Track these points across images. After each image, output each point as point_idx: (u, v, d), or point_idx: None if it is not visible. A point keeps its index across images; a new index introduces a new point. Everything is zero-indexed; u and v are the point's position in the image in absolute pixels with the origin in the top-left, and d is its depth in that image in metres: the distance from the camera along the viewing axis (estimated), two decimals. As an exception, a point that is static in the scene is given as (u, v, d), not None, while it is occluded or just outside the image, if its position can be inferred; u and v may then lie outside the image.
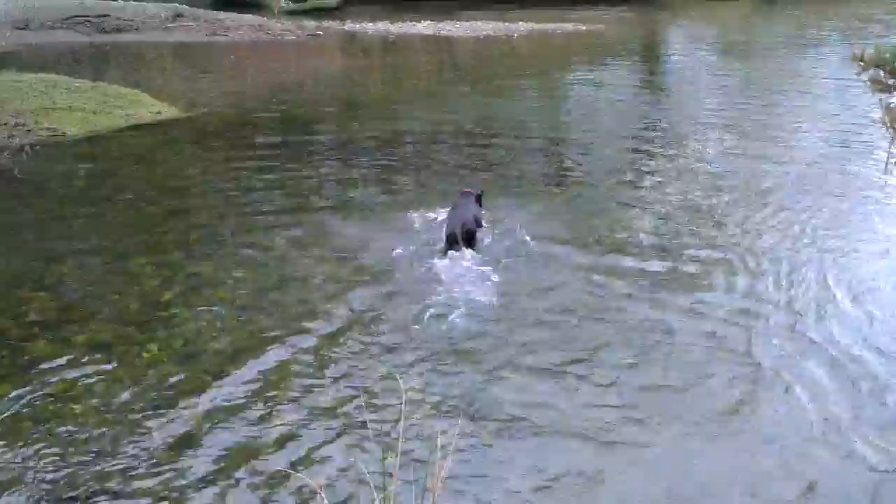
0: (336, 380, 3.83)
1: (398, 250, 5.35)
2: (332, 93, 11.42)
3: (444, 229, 5.40)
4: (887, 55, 4.26)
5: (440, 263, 5.10)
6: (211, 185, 7.12)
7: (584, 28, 18.15)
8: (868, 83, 4.23)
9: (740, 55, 15.56)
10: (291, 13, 20.17)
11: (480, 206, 5.84)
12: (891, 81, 4.27)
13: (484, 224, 5.66)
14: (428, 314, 4.46)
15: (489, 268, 5.05)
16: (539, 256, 5.28)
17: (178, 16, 17.54)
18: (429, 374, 3.86)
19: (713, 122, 9.66)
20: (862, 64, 4.21)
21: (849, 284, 4.85)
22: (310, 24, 18.22)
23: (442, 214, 5.79)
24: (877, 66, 4.22)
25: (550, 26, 18.29)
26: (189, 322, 4.47)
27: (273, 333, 4.30)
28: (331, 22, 18.82)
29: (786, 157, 7.95)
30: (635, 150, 8.26)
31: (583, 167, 7.71)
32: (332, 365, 3.98)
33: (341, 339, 4.23)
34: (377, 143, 8.64)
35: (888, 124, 4.11)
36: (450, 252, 5.17)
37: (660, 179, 7.16)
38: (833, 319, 4.41)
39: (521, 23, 18.54)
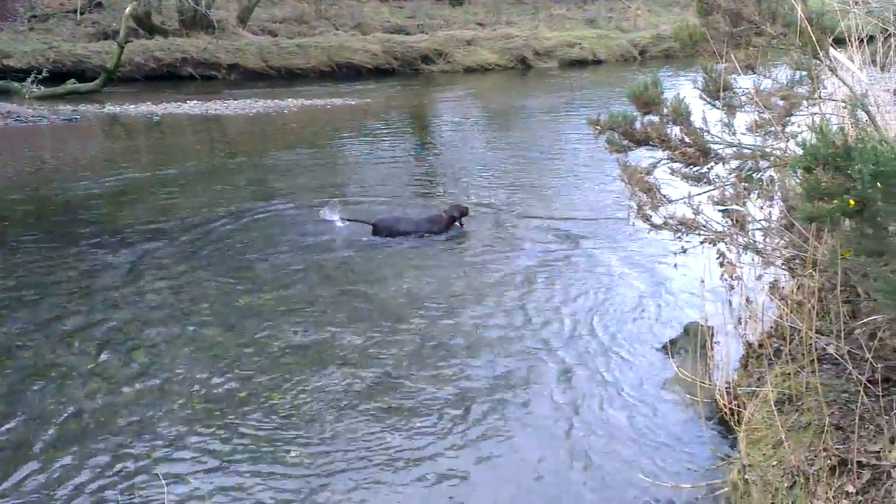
0: None
1: None
2: (95, 178, 10.79)
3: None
4: (620, 119, 4.78)
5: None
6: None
7: (354, 102, 18.63)
8: (605, 145, 4.72)
9: (501, 121, 16.66)
10: (44, 98, 18.83)
11: None
12: (625, 142, 4.78)
13: None
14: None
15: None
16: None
17: (-89, 105, 15.93)
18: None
19: (478, 181, 10.49)
20: (598, 128, 4.69)
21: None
22: (65, 108, 17.20)
23: None
24: (611, 129, 4.71)
25: (320, 102, 18.57)
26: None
27: None
28: (89, 105, 17.85)
29: (544, 208, 8.92)
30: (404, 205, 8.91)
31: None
32: None
33: None
34: (149, 227, 8.30)
35: (626, 180, 4.60)
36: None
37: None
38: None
39: (290, 100, 18.66)
